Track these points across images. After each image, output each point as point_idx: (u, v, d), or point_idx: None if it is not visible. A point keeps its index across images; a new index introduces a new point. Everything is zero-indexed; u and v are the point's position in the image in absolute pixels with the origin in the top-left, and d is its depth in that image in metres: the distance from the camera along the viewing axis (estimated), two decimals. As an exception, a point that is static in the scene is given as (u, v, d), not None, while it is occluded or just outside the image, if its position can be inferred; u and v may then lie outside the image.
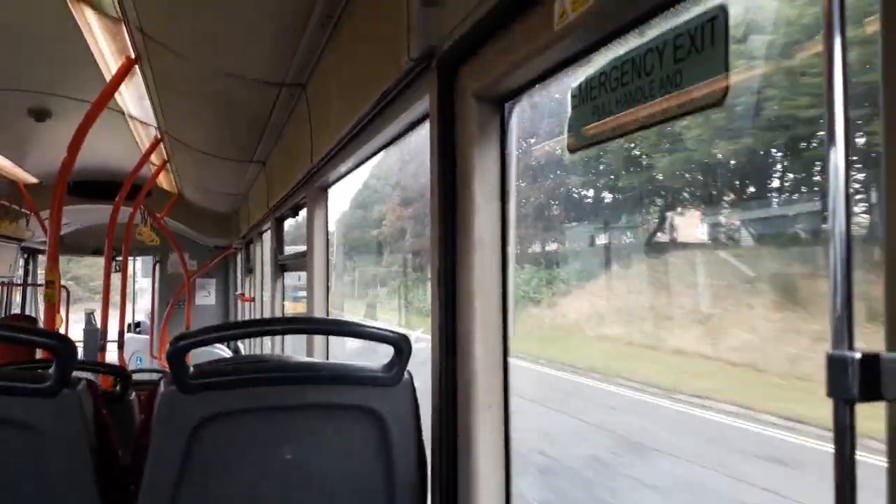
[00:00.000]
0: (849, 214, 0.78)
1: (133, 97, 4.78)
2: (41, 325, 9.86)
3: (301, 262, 4.41)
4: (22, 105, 4.98)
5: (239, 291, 9.43)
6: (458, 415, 1.77)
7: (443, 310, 1.81)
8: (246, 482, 1.72)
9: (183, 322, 9.71)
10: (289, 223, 5.46)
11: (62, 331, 9.39)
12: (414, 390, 1.80)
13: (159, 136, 5.44)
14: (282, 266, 5.57)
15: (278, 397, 1.72)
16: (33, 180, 7.29)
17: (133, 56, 3.62)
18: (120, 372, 3.45)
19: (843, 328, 0.78)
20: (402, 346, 1.77)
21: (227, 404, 1.68)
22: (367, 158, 3.00)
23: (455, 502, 1.77)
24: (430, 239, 1.89)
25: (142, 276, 12.70)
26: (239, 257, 9.45)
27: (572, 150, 1.34)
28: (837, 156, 0.79)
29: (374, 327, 1.85)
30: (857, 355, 0.75)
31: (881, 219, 0.76)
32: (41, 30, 3.52)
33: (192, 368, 1.66)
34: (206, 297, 10.67)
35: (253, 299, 7.84)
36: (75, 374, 1.75)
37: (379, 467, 1.77)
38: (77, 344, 1.76)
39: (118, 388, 3.32)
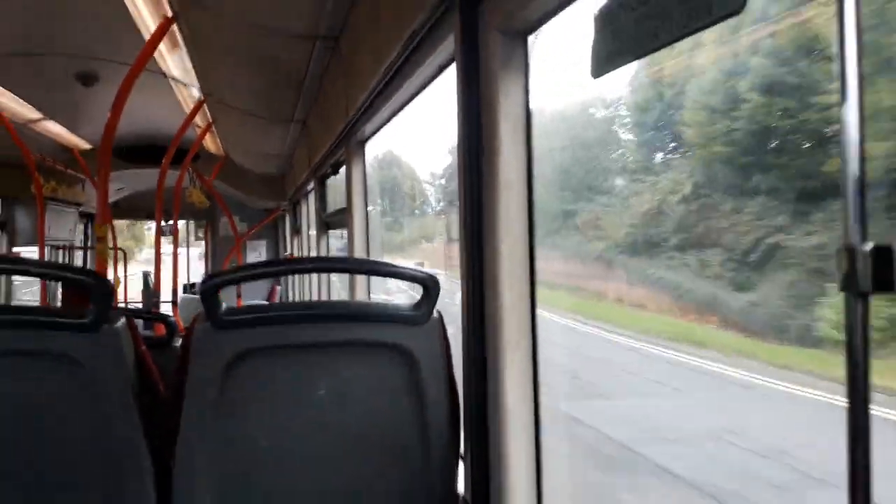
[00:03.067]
0: (861, 102, 0.75)
1: (175, 60, 4.83)
2: None
3: (343, 218, 4.43)
4: (69, 70, 5.07)
5: (288, 252, 9.59)
6: (487, 353, 1.77)
7: (470, 250, 1.79)
8: (281, 416, 1.78)
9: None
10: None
11: (119, 292, 9.72)
12: (444, 329, 1.81)
13: (202, 99, 5.50)
14: (326, 224, 5.62)
15: (309, 334, 1.76)
16: (87, 146, 7.48)
17: (170, 15, 3.64)
18: (164, 319, 3.57)
19: (856, 220, 0.74)
20: (430, 286, 1.78)
21: (260, 341, 1.73)
22: (401, 108, 2.98)
23: (486, 438, 1.78)
24: (457, 181, 1.87)
25: (195, 240, 13.01)
26: (287, 218, 9.58)
27: (596, 76, 1.30)
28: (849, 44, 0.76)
29: (402, 268, 1.86)
30: (869, 246, 0.72)
31: None
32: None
33: (224, 307, 1.70)
34: (258, 257, 10.90)
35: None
36: None
37: (410, 404, 1.79)
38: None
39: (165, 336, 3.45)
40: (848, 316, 0.75)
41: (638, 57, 1.16)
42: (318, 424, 1.79)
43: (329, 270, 2.10)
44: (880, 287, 0.72)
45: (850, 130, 0.75)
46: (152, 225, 9.73)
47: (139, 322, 4.83)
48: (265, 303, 8.59)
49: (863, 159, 0.75)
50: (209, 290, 1.68)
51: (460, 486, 1.91)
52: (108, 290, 1.71)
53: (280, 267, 2.20)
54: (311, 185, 6.15)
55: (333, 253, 6.08)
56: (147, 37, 3.97)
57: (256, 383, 1.75)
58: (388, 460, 1.82)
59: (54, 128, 6.55)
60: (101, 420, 1.72)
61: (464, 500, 1.88)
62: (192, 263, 13.32)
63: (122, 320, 1.75)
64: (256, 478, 1.77)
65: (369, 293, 3.82)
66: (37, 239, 6.79)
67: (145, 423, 1.74)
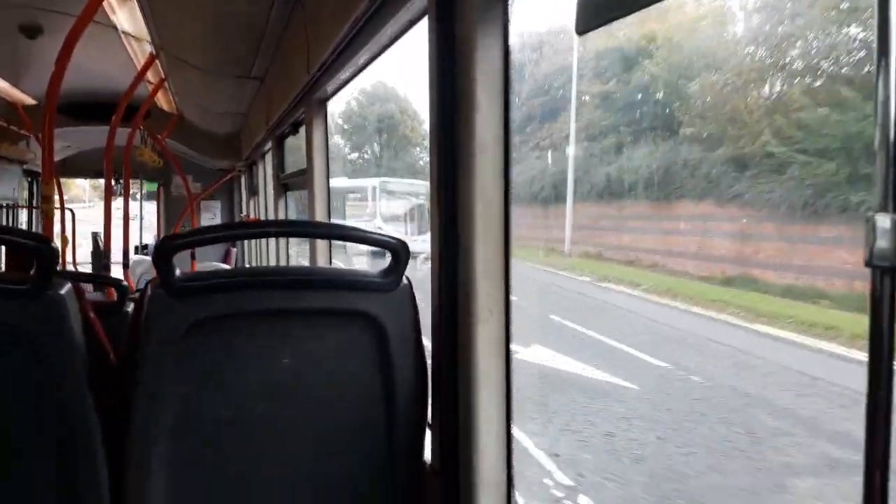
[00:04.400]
0: None
1: (126, 12, 4.61)
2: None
3: (302, 180, 4.32)
4: (12, 21, 4.81)
5: (244, 213, 9.38)
6: (459, 322, 1.73)
7: (443, 215, 1.74)
8: (243, 386, 1.72)
9: None
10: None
11: (69, 253, 9.42)
12: (413, 296, 1.77)
13: (154, 53, 5.27)
14: (284, 185, 5.49)
15: (272, 302, 1.70)
16: (31, 101, 7.15)
17: (120, -38, 3.45)
18: (115, 283, 3.44)
19: (888, 190, 0.70)
20: (399, 252, 1.72)
21: (219, 308, 1.66)
22: (366, 65, 2.88)
23: (455, 407, 1.75)
24: (430, 142, 1.81)
25: (147, 200, 12.64)
26: (243, 179, 9.36)
27: (581, 33, 1.24)
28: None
29: (371, 232, 1.80)
30: None
31: None
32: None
33: (178, 273, 1.62)
34: (212, 219, 10.64)
35: (258, 220, 7.79)
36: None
37: (378, 372, 1.75)
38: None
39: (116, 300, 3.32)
40: (873, 294, 0.72)
41: (631, 11, 1.11)
42: (282, 394, 1.74)
43: (295, 235, 2.02)
44: None
45: (885, 93, 0.71)
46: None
47: (89, 286, 4.68)
48: (223, 265, 8.43)
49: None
50: (163, 254, 1.59)
51: (427, 455, 1.88)
52: (52, 254, 1.60)
53: (241, 230, 2.10)
54: (268, 146, 5.98)
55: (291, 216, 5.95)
56: None
57: (216, 352, 1.68)
58: (354, 429, 1.78)
59: (-3, 82, 6.25)
60: (46, 392, 1.63)
61: (431, 468, 1.86)
62: (145, 223, 12.94)
63: (68, 286, 1.65)
64: (217, 449, 1.71)
65: (330, 259, 3.74)
66: None
67: (95, 394, 1.66)
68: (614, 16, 1.13)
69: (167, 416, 1.65)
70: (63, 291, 1.64)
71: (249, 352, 1.73)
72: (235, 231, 2.09)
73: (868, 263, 0.71)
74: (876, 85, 0.71)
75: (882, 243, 0.69)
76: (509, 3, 1.61)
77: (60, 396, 1.64)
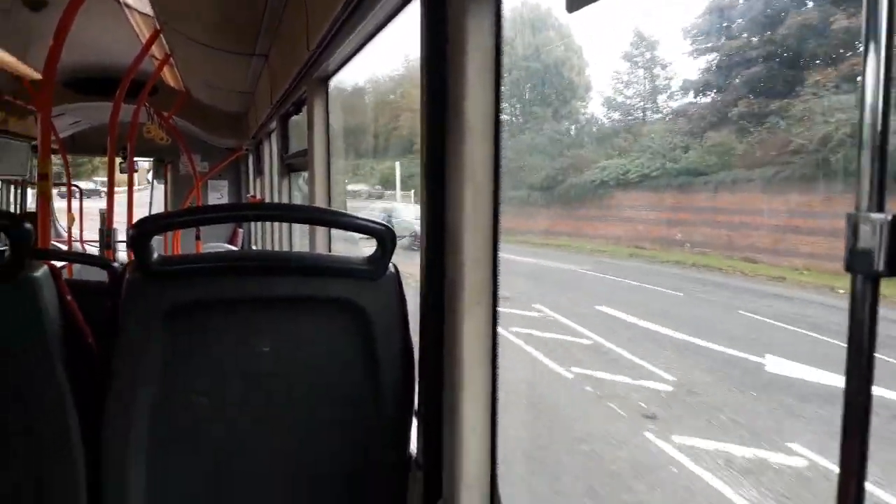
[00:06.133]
0: (889, 52, 0.62)
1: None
2: (57, 222, 9.87)
3: (304, 160, 4.25)
4: None
5: (251, 193, 9.34)
6: (446, 309, 1.66)
7: (431, 201, 1.67)
8: (223, 374, 1.68)
9: None
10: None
11: (75, 230, 9.43)
12: (399, 284, 1.70)
13: (158, 28, 5.20)
14: (288, 166, 5.43)
15: (253, 288, 1.64)
16: (38, 76, 7.10)
17: (119, -66, 3.37)
18: (104, 263, 3.39)
19: (873, 187, 0.61)
20: (385, 239, 1.66)
21: (198, 293, 1.61)
22: (365, 42, 2.80)
23: (440, 398, 1.69)
24: (420, 126, 1.73)
25: (153, 177, 12.62)
26: (250, 158, 9.31)
27: (571, 10, 1.16)
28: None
29: (357, 217, 1.74)
30: (888, 217, 0.59)
31: None
32: None
33: (156, 255, 1.56)
34: (219, 198, 10.61)
35: (263, 200, 7.74)
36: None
37: (362, 362, 1.69)
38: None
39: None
40: (853, 299, 0.63)
41: None
42: (262, 382, 1.69)
43: (273, 219, 2.01)
44: None
45: (870, 81, 0.62)
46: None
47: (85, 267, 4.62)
48: (229, 246, 8.39)
49: (886, 116, 0.62)
50: (139, 237, 1.53)
51: (414, 446, 1.83)
52: (26, 235, 1.54)
53: (217, 213, 2.06)
54: (273, 124, 5.92)
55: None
56: None
57: (194, 337, 1.63)
58: (337, 419, 1.73)
59: (3, 56, 6.18)
60: (19, 378, 1.58)
61: (415, 462, 1.80)
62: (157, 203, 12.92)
63: (43, 268, 1.60)
64: (195, 437, 1.67)
65: (330, 245, 3.67)
66: None
67: (71, 379, 1.61)
68: None
69: (143, 404, 1.61)
70: (38, 274, 1.58)
71: (228, 338, 1.68)
72: (211, 214, 2.05)
73: (849, 268, 0.63)
74: (863, 75, 0.63)
75: (865, 246, 0.61)
76: None
77: (32, 385, 1.59)
